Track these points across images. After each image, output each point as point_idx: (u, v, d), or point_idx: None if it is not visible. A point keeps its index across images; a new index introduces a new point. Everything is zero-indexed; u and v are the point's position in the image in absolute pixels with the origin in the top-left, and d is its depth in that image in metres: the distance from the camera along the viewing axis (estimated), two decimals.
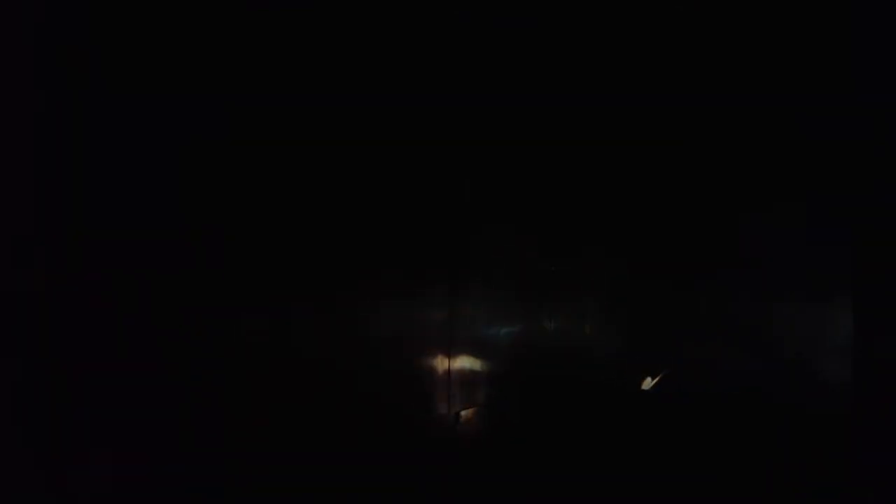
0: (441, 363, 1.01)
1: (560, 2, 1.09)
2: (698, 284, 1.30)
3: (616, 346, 1.41)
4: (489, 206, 1.17)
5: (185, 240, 0.82)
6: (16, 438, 0.54)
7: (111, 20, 0.58)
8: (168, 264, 0.66)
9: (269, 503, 0.72)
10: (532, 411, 1.23)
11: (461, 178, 1.08)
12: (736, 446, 1.32)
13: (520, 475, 1.16)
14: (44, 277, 0.55)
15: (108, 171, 0.62)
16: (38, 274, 0.56)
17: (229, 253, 0.71)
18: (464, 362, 1.08)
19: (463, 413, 1.03)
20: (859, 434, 1.15)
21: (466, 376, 1.08)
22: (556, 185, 1.33)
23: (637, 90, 1.24)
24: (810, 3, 1.07)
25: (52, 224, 0.57)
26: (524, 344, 1.23)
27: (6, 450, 0.55)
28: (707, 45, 1.13)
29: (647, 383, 1.31)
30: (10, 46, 0.54)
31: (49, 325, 0.56)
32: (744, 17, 1.12)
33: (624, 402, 1.35)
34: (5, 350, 0.56)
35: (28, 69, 0.55)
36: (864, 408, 1.15)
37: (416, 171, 1.02)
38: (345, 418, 0.80)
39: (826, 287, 1.13)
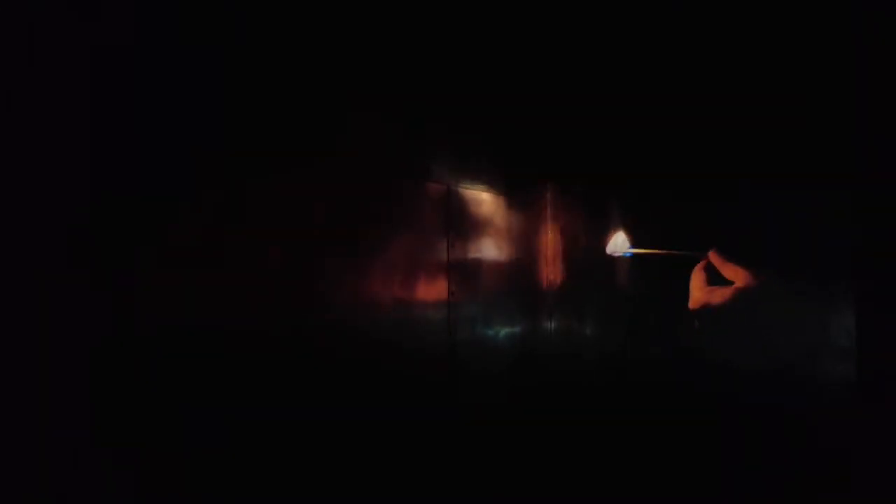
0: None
1: None
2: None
3: (615, 345, 1.39)
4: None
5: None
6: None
7: None
8: None
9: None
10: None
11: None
12: (736, 446, 1.31)
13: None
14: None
15: None
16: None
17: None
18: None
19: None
20: (862, 434, 1.15)
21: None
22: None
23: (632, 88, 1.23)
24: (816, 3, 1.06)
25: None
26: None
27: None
28: (713, 36, 1.12)
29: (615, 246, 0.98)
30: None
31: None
32: (748, 14, 1.12)
33: (623, 400, 1.34)
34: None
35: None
36: (868, 407, 1.15)
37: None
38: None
39: (827, 286, 1.13)
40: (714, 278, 0.86)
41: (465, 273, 1.08)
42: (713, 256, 0.86)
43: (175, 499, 0.62)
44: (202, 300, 0.66)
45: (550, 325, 1.32)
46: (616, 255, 0.97)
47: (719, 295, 0.82)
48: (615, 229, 0.99)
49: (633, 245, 0.98)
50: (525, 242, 1.26)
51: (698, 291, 0.84)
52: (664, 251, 0.95)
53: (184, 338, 0.64)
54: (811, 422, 1.20)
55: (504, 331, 1.20)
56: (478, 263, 1.12)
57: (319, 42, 0.80)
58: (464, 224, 1.09)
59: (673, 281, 0.93)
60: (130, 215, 0.61)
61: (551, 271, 1.33)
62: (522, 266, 1.26)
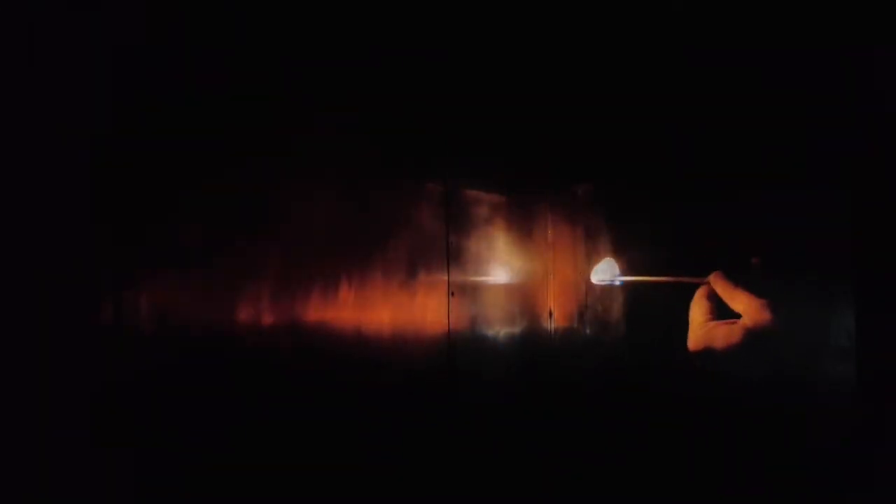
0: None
1: None
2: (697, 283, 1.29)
3: (615, 346, 1.39)
4: None
5: None
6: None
7: None
8: None
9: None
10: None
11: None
12: (737, 448, 1.31)
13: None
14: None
15: None
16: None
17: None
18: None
19: None
20: (862, 434, 1.15)
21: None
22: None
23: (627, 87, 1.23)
24: (816, 4, 1.07)
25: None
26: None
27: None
28: (708, 36, 1.12)
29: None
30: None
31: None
32: (743, 13, 1.12)
33: (623, 402, 1.33)
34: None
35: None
36: (869, 408, 1.15)
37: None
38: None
39: (827, 286, 1.13)
40: (718, 309, 0.69)
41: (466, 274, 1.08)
42: (716, 281, 0.67)
43: (174, 499, 0.62)
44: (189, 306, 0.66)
45: (551, 326, 1.32)
46: (603, 283, 0.86)
47: (724, 335, 0.64)
48: (602, 256, 0.87)
49: (623, 272, 0.86)
50: (527, 246, 1.26)
51: (699, 328, 0.66)
52: (659, 279, 0.80)
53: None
54: (811, 423, 1.20)
55: (504, 333, 1.20)
56: (478, 264, 1.11)
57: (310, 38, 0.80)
58: (464, 225, 1.09)
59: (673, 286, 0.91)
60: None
61: (554, 276, 1.33)
62: (524, 269, 1.25)
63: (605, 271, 0.88)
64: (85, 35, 0.58)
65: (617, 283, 0.87)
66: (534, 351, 1.24)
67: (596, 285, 1.01)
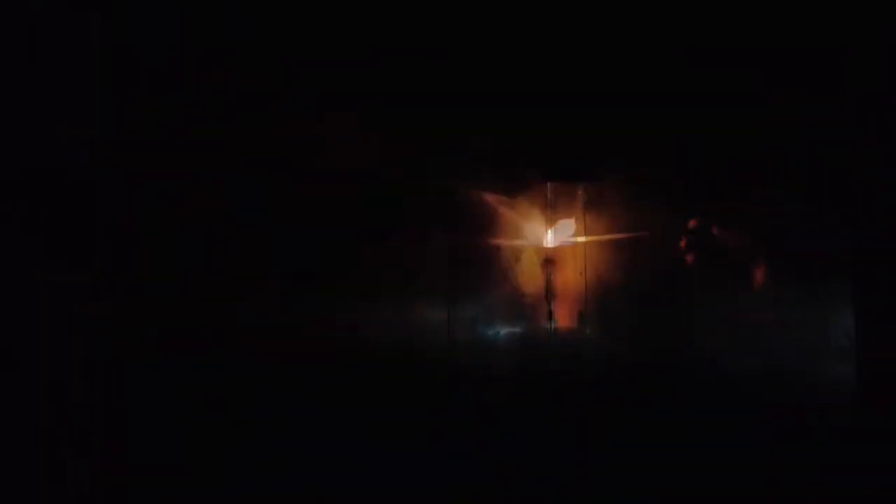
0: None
1: None
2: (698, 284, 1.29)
3: (615, 346, 1.39)
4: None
5: None
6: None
7: None
8: None
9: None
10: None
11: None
12: (736, 447, 1.31)
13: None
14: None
15: None
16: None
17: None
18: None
19: None
20: (864, 434, 1.14)
21: None
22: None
23: (633, 89, 1.22)
24: (811, 4, 1.06)
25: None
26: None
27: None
28: (706, 42, 1.12)
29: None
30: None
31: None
32: (740, 16, 1.11)
33: (623, 401, 1.33)
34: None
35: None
36: (869, 408, 1.14)
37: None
38: None
39: (827, 286, 1.12)
40: None
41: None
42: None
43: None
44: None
45: (550, 325, 1.32)
46: (557, 245, 0.82)
47: None
48: (559, 219, 0.83)
49: (585, 233, 0.83)
50: (524, 242, 1.26)
51: None
52: (620, 235, 0.78)
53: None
54: (811, 422, 1.20)
55: (504, 331, 1.20)
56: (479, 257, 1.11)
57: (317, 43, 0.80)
58: (464, 220, 1.09)
59: (674, 281, 0.90)
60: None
61: (554, 273, 1.33)
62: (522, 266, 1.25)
63: (557, 234, 0.85)
64: (85, 35, 0.58)
65: (572, 243, 0.84)
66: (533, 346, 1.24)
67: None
